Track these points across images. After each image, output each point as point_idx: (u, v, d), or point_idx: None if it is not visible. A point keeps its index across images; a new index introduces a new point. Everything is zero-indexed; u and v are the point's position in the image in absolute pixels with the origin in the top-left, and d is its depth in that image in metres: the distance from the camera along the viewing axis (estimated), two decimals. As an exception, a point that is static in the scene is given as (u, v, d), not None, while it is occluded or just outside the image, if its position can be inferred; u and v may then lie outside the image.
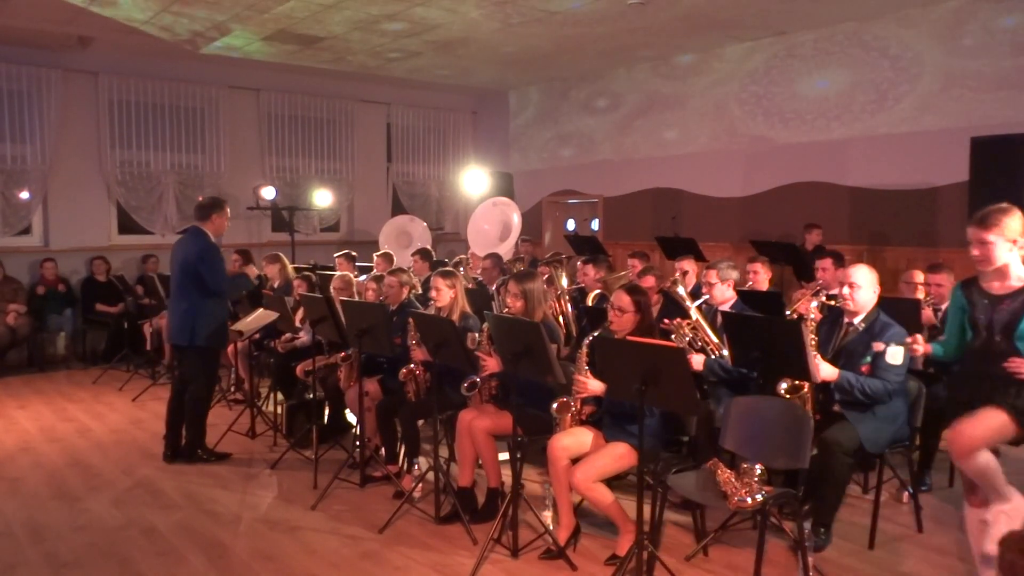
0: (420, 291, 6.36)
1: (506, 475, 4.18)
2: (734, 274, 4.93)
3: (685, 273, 5.93)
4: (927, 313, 4.89)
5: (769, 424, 3.51)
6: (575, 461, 3.72)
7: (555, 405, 3.96)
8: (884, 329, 3.84)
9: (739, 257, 7.48)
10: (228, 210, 5.45)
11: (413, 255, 7.83)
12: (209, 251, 5.22)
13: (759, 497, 3.23)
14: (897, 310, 4.17)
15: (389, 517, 4.20)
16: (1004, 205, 3.12)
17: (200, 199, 6.63)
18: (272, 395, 6.42)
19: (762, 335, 3.92)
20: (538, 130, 11.93)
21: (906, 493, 4.40)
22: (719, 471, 3.39)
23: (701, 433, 4.07)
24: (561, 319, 6.03)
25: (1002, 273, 3.14)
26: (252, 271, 6.47)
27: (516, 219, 9.94)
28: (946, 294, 4.98)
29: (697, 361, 4.34)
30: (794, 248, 7.72)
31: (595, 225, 11.44)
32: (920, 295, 5.18)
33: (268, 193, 10.11)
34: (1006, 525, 3.07)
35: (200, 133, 10.19)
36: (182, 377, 5.40)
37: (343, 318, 4.87)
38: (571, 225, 11.98)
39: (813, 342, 3.85)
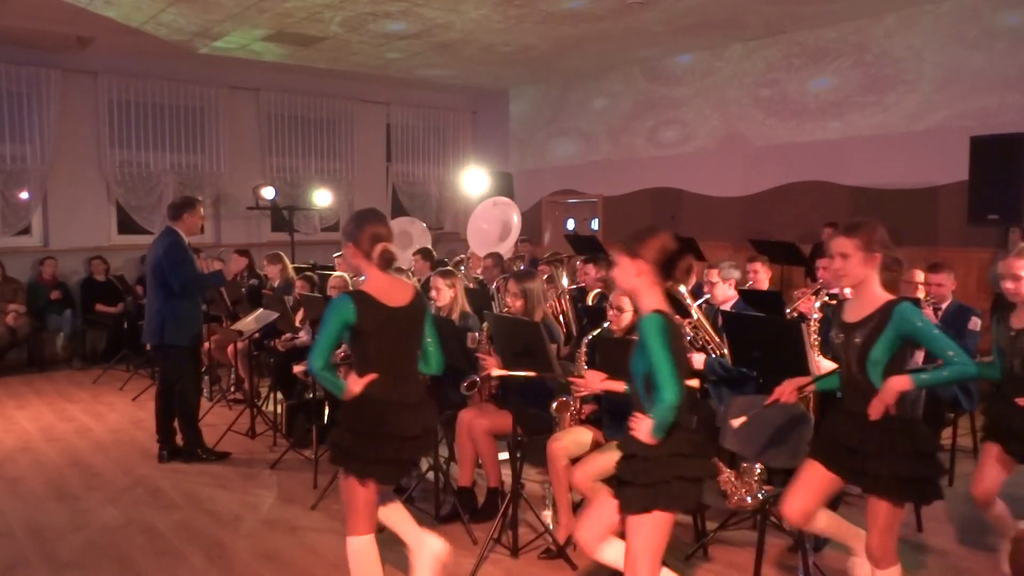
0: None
1: (506, 475, 4.18)
2: (736, 274, 4.93)
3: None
4: (927, 313, 4.88)
5: (769, 424, 3.51)
6: (575, 460, 3.72)
7: (555, 405, 3.96)
8: (884, 328, 3.84)
9: (738, 257, 7.47)
10: (200, 208, 5.35)
11: (414, 255, 7.83)
12: (173, 248, 5.14)
13: (759, 496, 3.24)
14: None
15: (389, 517, 4.19)
16: None
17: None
18: (272, 395, 6.42)
19: (762, 335, 3.92)
20: (538, 130, 11.93)
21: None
22: (719, 471, 3.39)
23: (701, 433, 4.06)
24: (561, 318, 6.02)
25: None
26: (217, 265, 6.31)
27: (516, 219, 9.94)
28: (946, 293, 4.98)
29: (697, 360, 4.34)
30: (794, 248, 7.72)
31: (595, 225, 11.44)
32: (920, 295, 5.17)
33: (268, 193, 10.11)
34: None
35: (200, 133, 10.19)
36: (163, 377, 5.39)
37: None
38: (571, 225, 11.98)
39: (816, 341, 3.85)
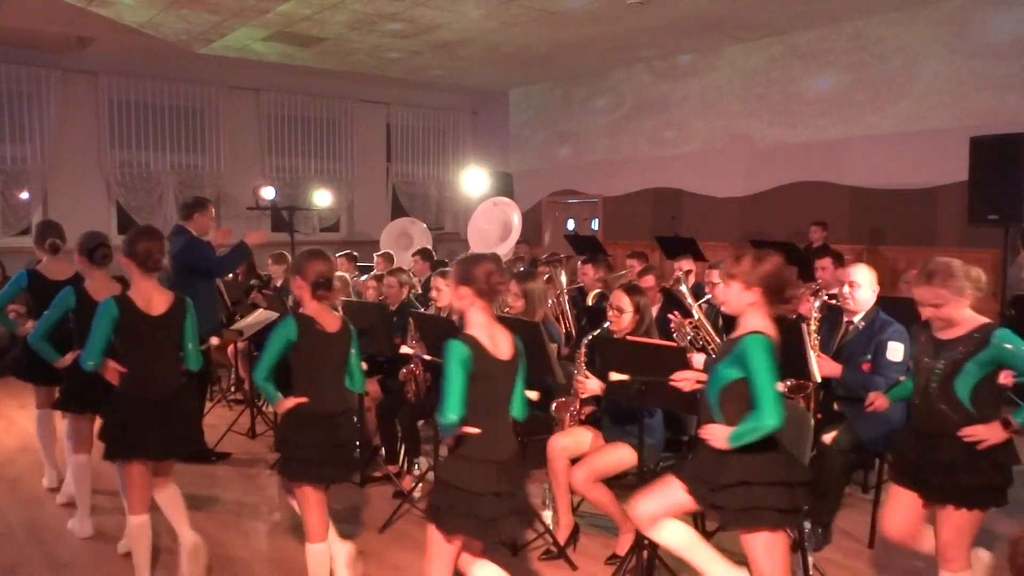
0: (420, 291, 6.36)
1: (506, 475, 4.17)
2: (736, 274, 4.92)
3: (689, 272, 5.92)
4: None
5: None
6: (574, 461, 3.72)
7: (555, 405, 3.96)
8: (884, 327, 3.85)
9: (739, 257, 7.46)
10: (212, 209, 5.42)
11: (413, 255, 7.82)
12: (193, 243, 5.22)
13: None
14: (896, 309, 4.17)
15: (389, 517, 4.20)
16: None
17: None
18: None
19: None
20: (538, 130, 11.93)
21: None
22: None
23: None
24: (560, 319, 6.02)
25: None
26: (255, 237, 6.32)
27: (516, 219, 9.94)
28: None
29: (697, 360, 4.33)
30: (794, 248, 7.71)
31: (595, 225, 11.44)
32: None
33: (268, 193, 10.10)
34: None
35: (200, 133, 10.20)
36: None
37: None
38: (571, 225, 11.99)
39: (816, 341, 3.85)
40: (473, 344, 2.64)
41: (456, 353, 2.60)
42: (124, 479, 3.33)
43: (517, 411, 2.80)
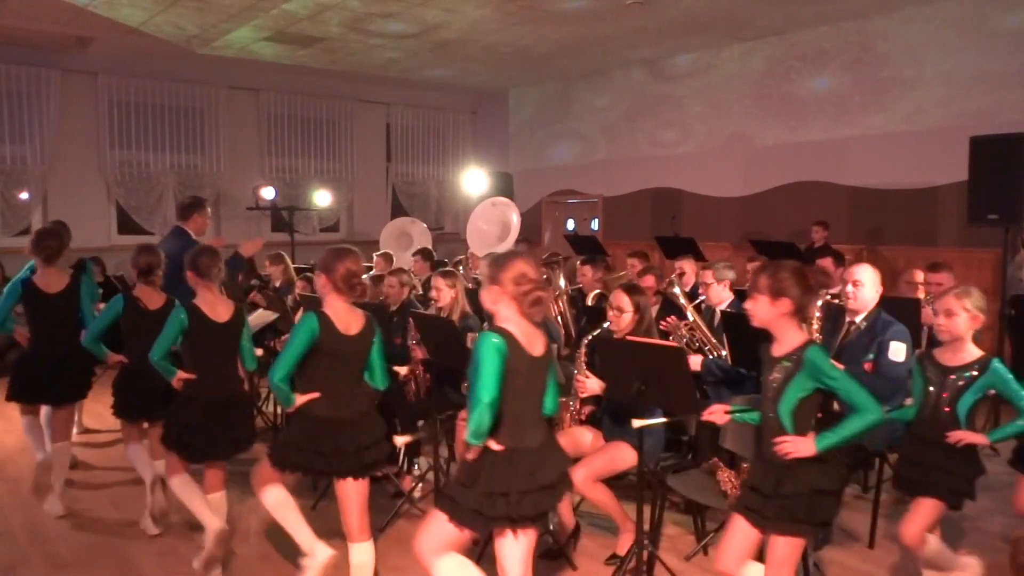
0: (420, 291, 6.36)
1: (506, 475, 4.17)
2: (731, 274, 4.91)
3: (682, 274, 5.91)
4: (927, 312, 4.89)
5: (769, 424, 3.50)
6: (575, 461, 3.72)
7: (555, 405, 3.95)
8: (886, 327, 3.85)
9: (739, 257, 7.48)
10: (208, 209, 5.45)
11: (414, 255, 7.83)
12: (191, 247, 5.22)
13: (759, 497, 3.22)
14: (897, 309, 4.17)
15: (389, 517, 4.20)
16: None
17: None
18: (272, 395, 6.40)
19: (761, 334, 3.91)
20: (537, 130, 11.94)
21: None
22: (719, 471, 3.39)
23: (702, 433, 4.06)
24: (559, 319, 6.02)
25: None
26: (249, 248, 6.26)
27: (515, 219, 9.93)
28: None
29: (695, 361, 4.33)
30: (794, 248, 7.70)
31: (595, 225, 11.44)
32: (921, 295, 5.17)
33: (268, 193, 10.11)
34: None
35: (200, 133, 10.20)
36: None
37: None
38: (571, 225, 11.98)
39: (817, 341, 3.84)
40: (323, 320, 3.13)
41: (305, 323, 3.11)
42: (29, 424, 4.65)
43: (379, 381, 3.43)
